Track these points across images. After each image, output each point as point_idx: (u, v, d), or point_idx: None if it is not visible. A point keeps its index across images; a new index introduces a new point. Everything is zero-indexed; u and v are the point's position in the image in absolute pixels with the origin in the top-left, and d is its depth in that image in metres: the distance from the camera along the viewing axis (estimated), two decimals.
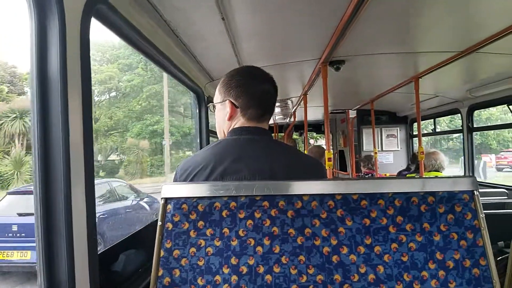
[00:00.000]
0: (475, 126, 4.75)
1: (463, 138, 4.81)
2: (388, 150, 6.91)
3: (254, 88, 1.44)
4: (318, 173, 1.43)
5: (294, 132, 9.92)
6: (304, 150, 6.11)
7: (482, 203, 1.13)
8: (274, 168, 1.33)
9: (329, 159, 3.19)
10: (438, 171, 4.13)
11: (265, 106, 1.46)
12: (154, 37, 1.81)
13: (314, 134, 13.15)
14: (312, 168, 1.44)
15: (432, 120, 5.87)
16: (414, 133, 6.72)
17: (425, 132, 6.42)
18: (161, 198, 1.17)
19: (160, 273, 1.13)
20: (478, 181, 1.18)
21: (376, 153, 5.73)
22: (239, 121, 1.45)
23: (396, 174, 5.71)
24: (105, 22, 1.36)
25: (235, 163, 1.34)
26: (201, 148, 3.24)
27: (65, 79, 1.02)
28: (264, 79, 1.48)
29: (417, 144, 4.24)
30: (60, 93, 1.01)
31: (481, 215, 1.11)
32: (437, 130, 6.27)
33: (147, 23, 1.75)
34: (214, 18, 1.93)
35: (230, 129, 1.45)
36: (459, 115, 4.86)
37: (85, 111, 1.12)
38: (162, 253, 1.14)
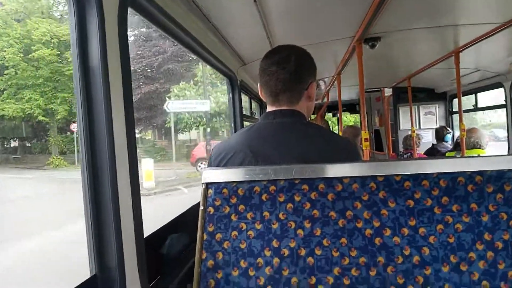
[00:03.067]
0: None
1: (507, 113, 4.57)
2: (426, 128, 6.69)
3: (267, 69, 1.42)
4: (351, 155, 1.40)
5: (327, 113, 9.76)
6: (339, 131, 6.02)
7: None
8: (307, 152, 1.32)
9: (366, 140, 3.12)
10: (479, 149, 3.98)
11: (275, 83, 1.40)
12: (187, 23, 1.81)
13: (348, 115, 12.84)
14: (345, 150, 1.42)
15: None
16: (454, 110, 6.45)
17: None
18: (202, 183, 1.19)
19: (204, 256, 1.16)
20: None
21: (414, 131, 5.55)
22: (271, 105, 1.46)
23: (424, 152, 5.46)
24: (141, 11, 1.37)
25: (268, 148, 1.35)
26: (235, 132, 3.27)
27: (106, 69, 1.05)
28: (276, 55, 1.43)
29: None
30: (102, 84, 1.04)
31: None
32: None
33: (181, 9, 1.75)
34: (245, 1, 1.91)
35: (264, 112, 1.46)
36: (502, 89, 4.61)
37: (126, 99, 1.15)
38: (205, 237, 1.17)
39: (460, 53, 3.55)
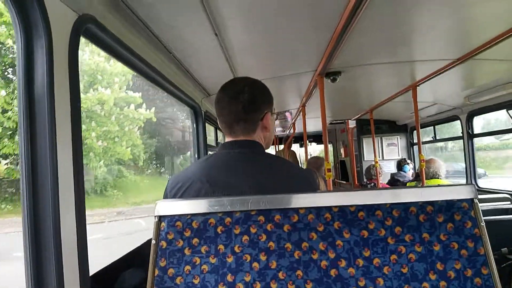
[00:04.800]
0: (475, 132, 4.73)
1: (464, 145, 4.78)
2: (389, 159, 6.89)
3: (222, 101, 1.42)
4: (310, 185, 1.40)
5: (293, 144, 9.89)
6: (305, 160, 6.09)
7: (484, 210, 1.11)
8: (265, 182, 1.31)
9: (329, 170, 3.16)
10: (437, 179, 4.11)
11: (228, 115, 1.41)
12: (147, 54, 1.80)
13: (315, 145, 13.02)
14: (304, 180, 1.41)
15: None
16: (415, 141, 6.70)
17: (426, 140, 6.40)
18: (155, 216, 1.15)
19: None
20: (481, 188, 1.16)
21: (377, 162, 5.70)
22: (228, 135, 1.45)
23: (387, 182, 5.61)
24: (95, 41, 1.35)
25: (225, 178, 1.33)
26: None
27: (53, 100, 1.01)
28: (230, 87, 1.45)
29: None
30: (47, 113, 1.00)
31: (482, 223, 1.09)
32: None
33: (139, 40, 1.74)
34: (206, 34, 1.93)
35: (222, 143, 1.45)
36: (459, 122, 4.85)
37: (74, 129, 1.11)
38: (156, 272, 1.12)
39: (418, 87, 3.72)
